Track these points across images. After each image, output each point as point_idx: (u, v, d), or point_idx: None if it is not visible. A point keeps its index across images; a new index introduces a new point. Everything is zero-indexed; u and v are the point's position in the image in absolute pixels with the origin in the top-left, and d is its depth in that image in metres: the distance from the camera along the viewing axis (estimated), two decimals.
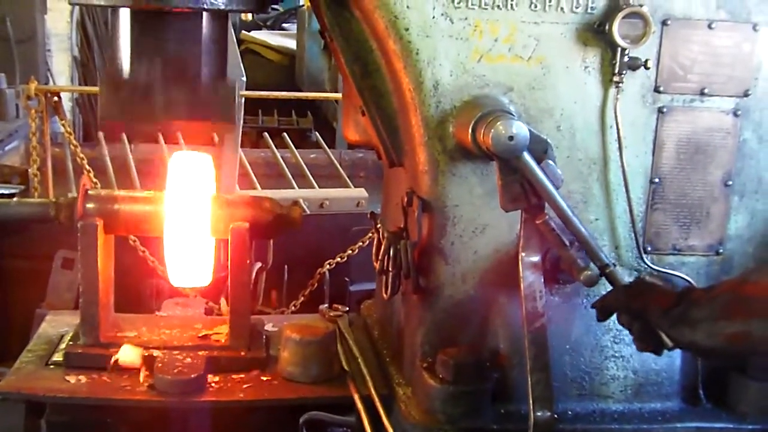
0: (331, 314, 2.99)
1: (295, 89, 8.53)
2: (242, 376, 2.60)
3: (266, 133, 6.62)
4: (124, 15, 2.37)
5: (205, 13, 2.38)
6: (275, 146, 6.30)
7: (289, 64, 10.30)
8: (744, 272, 2.38)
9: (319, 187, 5.42)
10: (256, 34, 10.88)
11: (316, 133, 7.44)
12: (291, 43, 10.41)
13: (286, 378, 2.60)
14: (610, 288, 2.24)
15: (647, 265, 2.47)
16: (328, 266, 4.32)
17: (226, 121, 2.51)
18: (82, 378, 2.53)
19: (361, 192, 5.23)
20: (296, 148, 6.36)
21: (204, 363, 2.57)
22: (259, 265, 3.12)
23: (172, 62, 2.38)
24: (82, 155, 4.92)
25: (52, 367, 2.60)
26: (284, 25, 11.67)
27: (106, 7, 2.40)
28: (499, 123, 2.13)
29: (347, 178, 5.70)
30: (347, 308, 3.04)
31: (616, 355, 2.50)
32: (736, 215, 2.50)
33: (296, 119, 8.93)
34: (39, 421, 2.50)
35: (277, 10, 11.60)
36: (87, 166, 4.79)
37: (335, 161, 6.08)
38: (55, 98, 5.35)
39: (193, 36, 2.38)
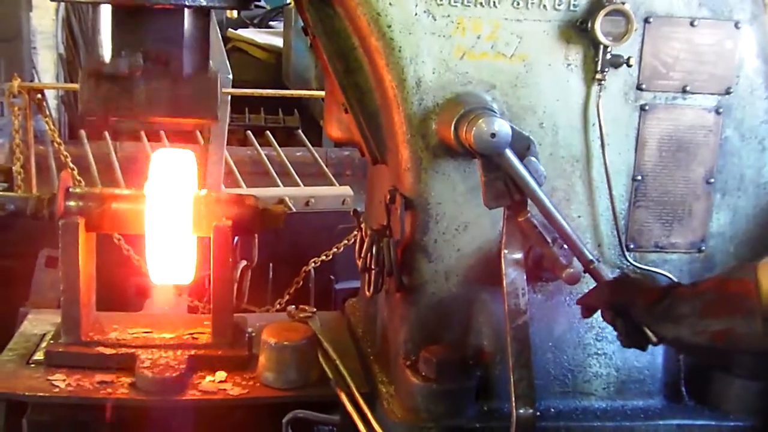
0: (301, 315, 2.95)
1: (282, 87, 8.50)
2: (225, 374, 2.59)
3: (249, 132, 6.60)
4: (106, 10, 2.36)
5: (186, 9, 2.37)
6: (261, 144, 6.28)
7: (276, 62, 10.26)
8: (727, 269, 2.39)
9: (305, 185, 5.41)
10: (242, 32, 10.83)
11: (301, 131, 7.42)
12: (278, 41, 10.37)
13: (263, 384, 2.56)
14: (592, 286, 2.24)
15: (629, 262, 2.47)
16: (313, 264, 4.32)
17: (208, 116, 2.49)
18: (64, 377, 2.52)
19: (347, 190, 5.22)
20: (283, 146, 6.33)
21: (186, 361, 2.56)
22: (244, 263, 3.11)
23: (153, 57, 2.36)
24: (65, 153, 4.89)
25: (33, 365, 2.59)
26: (271, 23, 11.62)
27: (88, 3, 2.38)
28: (481, 120, 2.13)
29: (332, 177, 5.69)
30: (314, 309, 3.01)
31: (599, 352, 2.51)
32: (718, 213, 2.51)
33: (283, 117, 8.88)
34: (20, 420, 2.48)
35: (264, 8, 11.56)
36: (71, 164, 4.76)
37: (320, 159, 6.06)
38: (39, 96, 5.31)
39: (173, 31, 2.37)
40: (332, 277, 4.52)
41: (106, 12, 2.36)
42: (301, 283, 4.35)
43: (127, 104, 2.40)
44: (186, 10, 2.37)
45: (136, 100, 2.40)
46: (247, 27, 11.25)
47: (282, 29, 10.43)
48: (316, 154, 6.21)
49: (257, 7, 11.54)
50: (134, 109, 2.42)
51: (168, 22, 2.37)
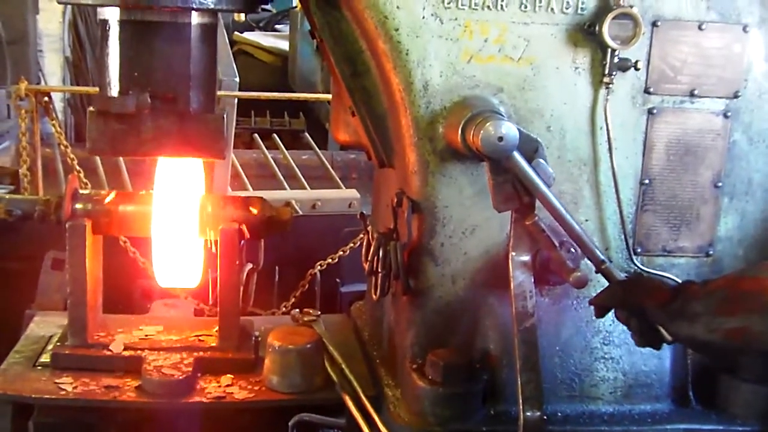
0: (305, 319, 2.94)
1: (288, 90, 8.50)
2: (231, 377, 2.59)
3: (256, 135, 6.60)
4: (113, 48, 2.37)
5: (194, 46, 2.38)
6: (267, 147, 6.29)
7: (282, 66, 10.27)
8: (738, 270, 2.38)
9: (311, 188, 5.41)
10: (248, 36, 10.85)
11: (307, 134, 7.43)
12: (284, 45, 10.38)
13: (269, 387, 2.54)
14: (600, 289, 2.23)
15: (637, 266, 2.47)
16: (319, 267, 4.31)
17: (215, 156, 2.51)
18: (70, 379, 2.52)
19: (353, 193, 5.22)
20: (289, 149, 6.34)
21: (193, 364, 2.56)
22: (250, 266, 3.11)
23: (161, 96, 2.37)
24: (72, 156, 4.90)
25: (39, 368, 2.59)
26: (277, 26, 11.64)
27: (94, 5, 2.38)
28: (488, 124, 2.12)
29: (339, 180, 5.69)
30: (319, 312, 3.00)
31: (606, 356, 2.50)
32: (726, 217, 2.50)
33: (288, 120, 8.90)
34: (26, 423, 2.48)
35: (270, 11, 11.57)
36: (77, 167, 4.76)
37: (326, 162, 6.07)
38: (46, 98, 5.32)
39: (181, 70, 2.39)
40: (338, 280, 4.52)
41: (113, 50, 2.37)
42: (307, 286, 4.34)
43: (135, 142, 2.42)
44: (193, 48, 2.39)
45: (143, 138, 2.41)
46: (253, 30, 11.28)
47: (288, 32, 10.45)
48: (323, 157, 6.21)
49: (263, 10, 11.55)
50: (142, 148, 2.43)
51: (175, 61, 2.38)
